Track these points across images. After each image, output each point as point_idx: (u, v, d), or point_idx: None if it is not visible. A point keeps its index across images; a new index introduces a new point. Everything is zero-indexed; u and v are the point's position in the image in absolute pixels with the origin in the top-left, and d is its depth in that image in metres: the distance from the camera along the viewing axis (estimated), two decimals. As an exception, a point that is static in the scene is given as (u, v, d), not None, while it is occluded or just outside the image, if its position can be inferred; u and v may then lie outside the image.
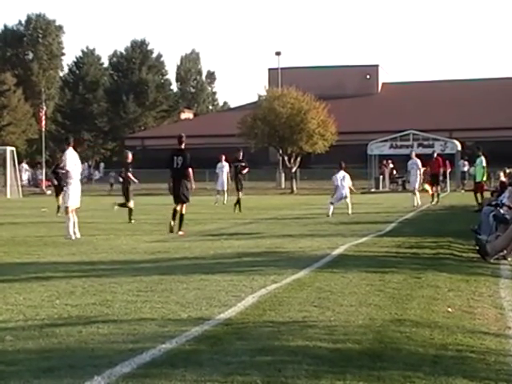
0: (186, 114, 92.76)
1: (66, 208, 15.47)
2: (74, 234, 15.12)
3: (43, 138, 59.65)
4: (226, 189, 31.08)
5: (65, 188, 15.99)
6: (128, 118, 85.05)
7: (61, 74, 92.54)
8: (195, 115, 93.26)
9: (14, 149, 49.83)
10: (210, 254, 11.96)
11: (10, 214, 25.23)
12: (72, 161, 15.42)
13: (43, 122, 59.79)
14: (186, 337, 5.93)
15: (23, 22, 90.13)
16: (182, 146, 16.40)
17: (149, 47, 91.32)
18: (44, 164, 59.24)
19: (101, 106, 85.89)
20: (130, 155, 21.32)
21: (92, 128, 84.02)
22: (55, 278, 9.17)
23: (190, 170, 16.14)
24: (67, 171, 15.45)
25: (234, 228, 17.83)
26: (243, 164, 27.00)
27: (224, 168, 31.45)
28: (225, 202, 29.93)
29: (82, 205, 16.33)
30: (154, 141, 70.80)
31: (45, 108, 62.57)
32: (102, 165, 73.52)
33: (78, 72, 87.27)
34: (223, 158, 32.03)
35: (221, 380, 4.74)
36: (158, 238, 15.02)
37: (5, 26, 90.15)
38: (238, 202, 24.69)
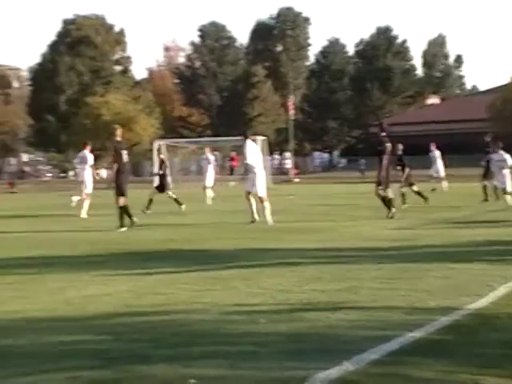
0: (432, 100, 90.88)
1: (261, 197, 16.06)
2: (256, 218, 15.92)
3: (291, 127, 61.40)
4: (442, 175, 30.09)
5: (252, 178, 16.32)
6: (373, 105, 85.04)
7: (307, 64, 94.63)
8: (442, 100, 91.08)
9: (265, 138, 51.87)
10: (458, 241, 11.62)
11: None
12: (252, 152, 16.17)
13: (291, 112, 61.52)
14: (435, 326, 5.79)
15: (274, 16, 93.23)
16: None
17: (393, 33, 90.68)
18: (292, 152, 60.99)
19: (346, 94, 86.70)
20: (400, 146, 21.56)
21: (337, 116, 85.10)
22: (303, 264, 9.39)
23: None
24: (248, 163, 16.12)
25: (482, 215, 17.18)
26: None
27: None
28: (444, 189, 29.13)
29: (334, 191, 16.56)
30: (399, 127, 70.19)
31: (293, 98, 64.36)
32: (335, 152, 74.25)
33: (323, 62, 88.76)
34: (434, 146, 30.71)
35: (474, 372, 4.57)
36: (400, 225, 14.85)
37: (258, 21, 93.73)
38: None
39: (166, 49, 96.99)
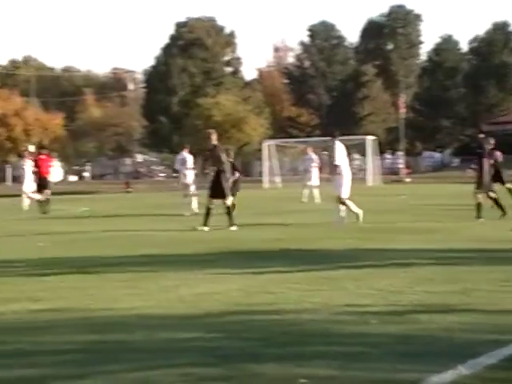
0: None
1: (340, 198, 15.85)
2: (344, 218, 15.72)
3: (402, 126, 60.52)
4: None
5: (338, 179, 16.20)
6: (488, 102, 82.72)
7: (418, 62, 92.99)
8: None
9: (374, 138, 51.39)
10: None
11: (369, 200, 25.97)
12: (341, 153, 16.04)
13: (402, 110, 60.64)
14: (555, 331, 5.56)
15: (385, 14, 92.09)
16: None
17: (510, 29, 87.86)
18: (404, 152, 60.10)
19: (459, 91, 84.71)
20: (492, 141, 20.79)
21: (450, 114, 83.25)
22: (414, 265, 9.21)
23: None
24: (337, 165, 15.94)
25: None
26: None
27: None
28: None
29: (447, 191, 16.22)
30: (516, 126, 67.95)
31: (404, 96, 63.43)
32: (447, 151, 72.60)
33: (436, 59, 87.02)
34: None
35: None
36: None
37: (369, 19, 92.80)
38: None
39: (276, 49, 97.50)
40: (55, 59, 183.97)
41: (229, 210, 15.67)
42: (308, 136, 68.44)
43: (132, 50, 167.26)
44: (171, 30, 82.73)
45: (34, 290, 7.95)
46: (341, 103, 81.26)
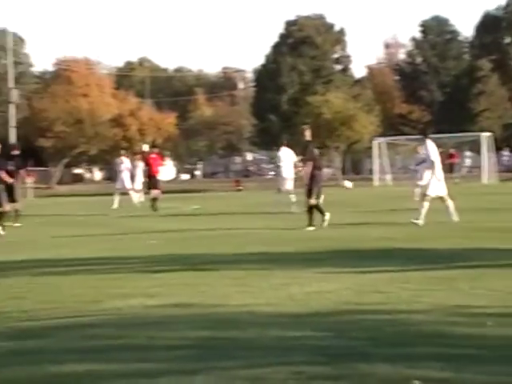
0: None
1: (426, 196, 15.69)
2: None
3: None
4: None
5: (428, 178, 16.32)
6: None
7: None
8: None
9: (490, 134, 50.01)
10: None
11: (484, 199, 25.28)
12: (434, 151, 15.97)
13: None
14: None
15: (502, 7, 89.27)
16: None
17: None
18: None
19: None
20: None
21: None
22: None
23: None
24: (433, 162, 15.82)
25: None
26: None
27: None
28: None
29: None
30: None
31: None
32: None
33: None
34: None
35: None
36: None
37: (485, 12, 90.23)
38: None
39: (387, 45, 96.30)
40: (168, 60, 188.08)
41: (313, 208, 15.70)
42: (420, 133, 67.32)
43: (242, 49, 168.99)
44: (281, 29, 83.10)
45: (149, 286, 8.17)
46: (454, 99, 79.36)
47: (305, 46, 79.76)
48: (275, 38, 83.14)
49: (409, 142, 50.55)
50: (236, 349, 5.26)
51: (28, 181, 46.57)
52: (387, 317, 6.23)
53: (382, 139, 55.38)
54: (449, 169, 46.04)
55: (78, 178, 71.45)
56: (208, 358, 4.97)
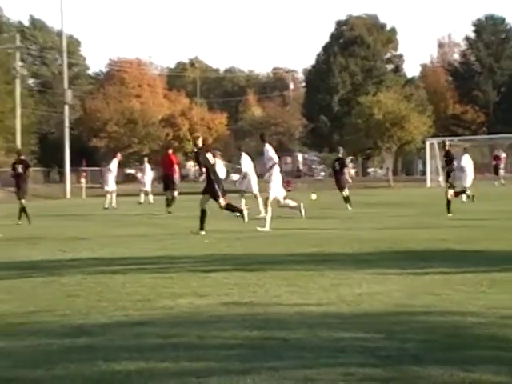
0: None
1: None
2: None
3: None
4: None
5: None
6: None
7: None
8: None
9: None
10: None
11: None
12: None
13: None
14: None
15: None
16: None
17: None
18: None
19: None
20: None
21: None
22: None
23: None
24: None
25: None
26: None
27: None
28: None
29: None
30: None
31: None
32: None
33: None
34: None
35: None
36: None
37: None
38: None
39: (440, 45, 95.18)
40: (219, 60, 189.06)
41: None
42: (474, 134, 66.31)
43: (292, 49, 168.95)
44: (332, 29, 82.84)
45: (200, 285, 8.21)
46: (509, 100, 78.09)
47: (356, 46, 79.34)
48: (326, 39, 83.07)
49: (461, 142, 49.85)
50: (286, 349, 5.25)
51: (81, 180, 47.32)
52: (440, 319, 6.15)
53: (434, 140, 54.74)
54: (494, 171, 45.17)
55: (130, 178, 72.20)
56: (258, 358, 4.97)
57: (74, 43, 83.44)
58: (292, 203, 17.43)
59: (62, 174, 55.37)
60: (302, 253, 11.28)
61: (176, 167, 27.26)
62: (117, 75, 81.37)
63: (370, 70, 79.61)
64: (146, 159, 35.11)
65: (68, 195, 48.16)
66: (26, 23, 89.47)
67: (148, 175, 33.25)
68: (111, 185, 30.15)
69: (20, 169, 21.51)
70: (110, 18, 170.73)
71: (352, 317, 6.34)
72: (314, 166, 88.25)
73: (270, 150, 16.32)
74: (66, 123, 51.52)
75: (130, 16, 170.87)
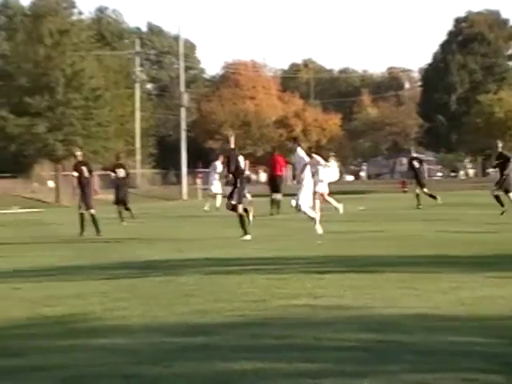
0: None
1: None
2: None
3: None
4: None
5: None
6: None
7: None
8: None
9: None
10: None
11: None
12: None
13: None
14: None
15: None
16: None
17: None
18: None
19: None
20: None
21: None
22: None
23: None
24: None
25: None
26: None
27: None
28: None
29: None
30: None
31: None
32: None
33: None
34: None
35: None
36: None
37: None
38: None
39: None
40: (333, 61, 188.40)
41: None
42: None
43: (408, 48, 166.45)
44: (449, 26, 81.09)
45: (314, 286, 8.18)
46: None
47: (475, 43, 77.37)
48: (443, 36, 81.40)
49: None
50: (403, 352, 5.15)
51: (197, 182, 48.18)
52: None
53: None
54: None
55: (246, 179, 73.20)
56: (374, 361, 4.89)
57: (189, 47, 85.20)
58: (312, 213, 16.19)
59: (178, 175, 56.57)
60: (418, 254, 11.08)
61: (283, 169, 27.08)
62: (232, 77, 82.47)
63: (491, 67, 77.43)
64: (220, 157, 29.71)
65: (184, 196, 49.22)
66: (144, 29, 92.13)
67: (214, 176, 30.09)
68: (216, 187, 29.86)
69: (121, 173, 22.26)
70: (224, 22, 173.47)
71: (472, 320, 6.16)
72: (430, 167, 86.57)
73: (301, 152, 15.81)
74: (183, 126, 52.67)
75: (244, 19, 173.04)
